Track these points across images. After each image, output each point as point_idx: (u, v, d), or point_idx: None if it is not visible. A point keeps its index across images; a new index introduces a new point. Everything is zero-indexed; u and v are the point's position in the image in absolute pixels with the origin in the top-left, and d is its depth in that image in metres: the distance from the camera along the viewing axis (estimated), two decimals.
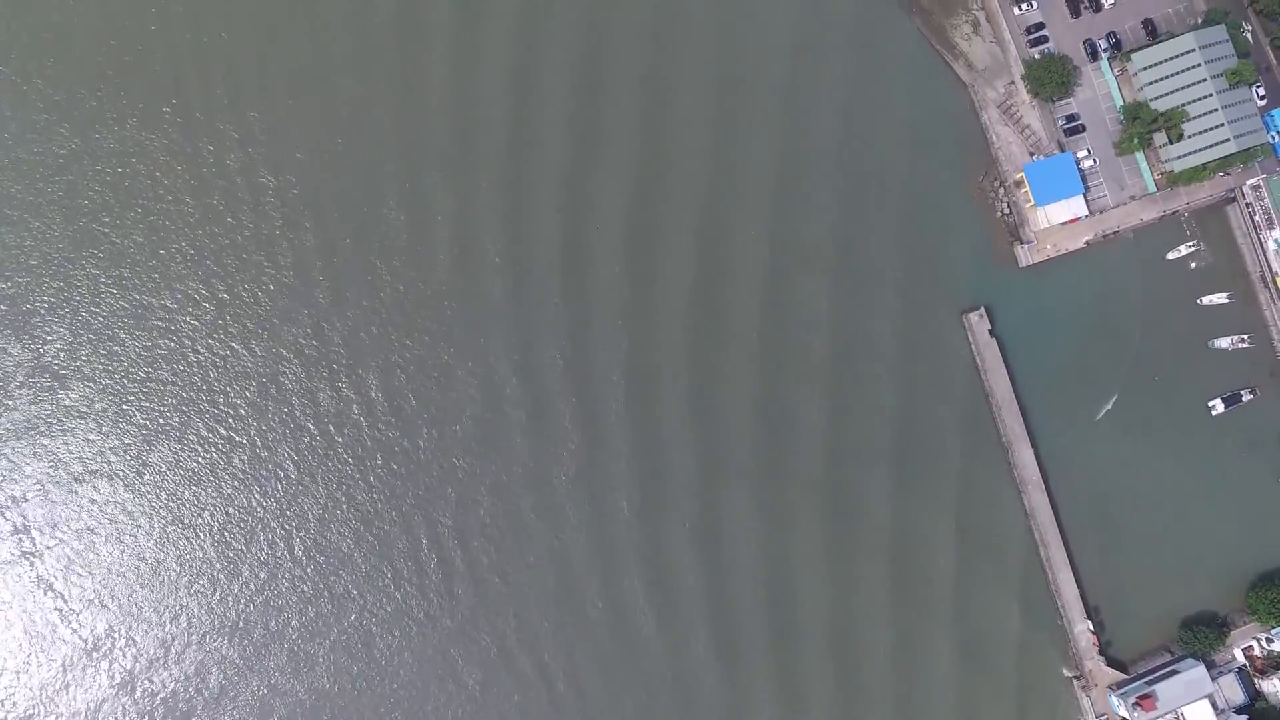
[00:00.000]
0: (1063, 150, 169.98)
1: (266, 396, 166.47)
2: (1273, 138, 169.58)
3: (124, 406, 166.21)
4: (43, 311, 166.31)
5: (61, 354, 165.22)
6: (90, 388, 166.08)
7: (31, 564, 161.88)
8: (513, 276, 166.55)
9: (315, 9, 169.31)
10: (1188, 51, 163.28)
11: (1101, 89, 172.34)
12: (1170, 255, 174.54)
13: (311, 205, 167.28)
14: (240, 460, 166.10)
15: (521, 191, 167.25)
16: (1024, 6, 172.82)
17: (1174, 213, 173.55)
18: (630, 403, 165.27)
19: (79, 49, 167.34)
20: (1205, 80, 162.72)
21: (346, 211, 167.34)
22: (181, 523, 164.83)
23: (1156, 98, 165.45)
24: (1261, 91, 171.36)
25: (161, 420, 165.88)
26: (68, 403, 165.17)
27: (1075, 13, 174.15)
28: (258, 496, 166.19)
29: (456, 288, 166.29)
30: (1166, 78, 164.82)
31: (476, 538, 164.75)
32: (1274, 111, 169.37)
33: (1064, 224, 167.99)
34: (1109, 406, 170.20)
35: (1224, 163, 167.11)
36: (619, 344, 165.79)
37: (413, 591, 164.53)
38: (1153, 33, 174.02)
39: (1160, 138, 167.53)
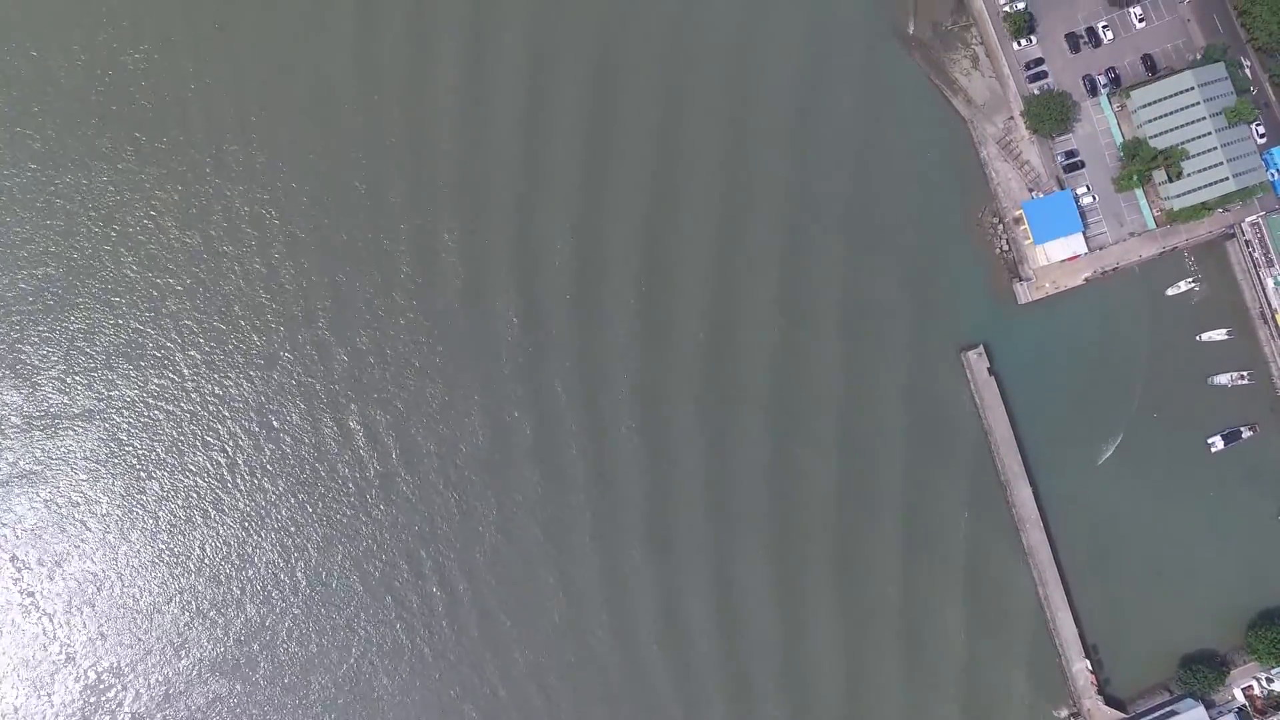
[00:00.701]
0: (1062, 187, 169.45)
1: (265, 431, 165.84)
2: (1272, 175, 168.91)
3: (118, 443, 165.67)
4: (35, 345, 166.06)
5: (53, 391, 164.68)
6: (83, 424, 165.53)
7: (26, 607, 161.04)
8: (519, 317, 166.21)
9: (319, 44, 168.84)
10: (1186, 90, 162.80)
11: (1101, 125, 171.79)
12: (1170, 291, 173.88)
13: (313, 240, 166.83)
14: (238, 496, 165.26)
15: (530, 236, 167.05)
16: (1023, 42, 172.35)
17: (1173, 249, 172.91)
18: (637, 448, 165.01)
19: (70, 85, 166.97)
20: (1204, 119, 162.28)
21: (347, 244, 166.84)
22: (178, 559, 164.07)
23: (1155, 135, 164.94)
24: (1261, 130, 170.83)
25: (157, 455, 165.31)
26: (60, 439, 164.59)
27: (1075, 48, 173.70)
28: (256, 531, 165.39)
29: (461, 324, 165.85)
30: (1165, 115, 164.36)
31: (479, 573, 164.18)
32: (1273, 150, 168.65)
33: (1063, 261, 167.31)
34: (1110, 453, 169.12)
35: (1223, 200, 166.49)
36: (626, 388, 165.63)
37: (416, 626, 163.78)
38: (1152, 68, 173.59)
39: (1159, 175, 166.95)
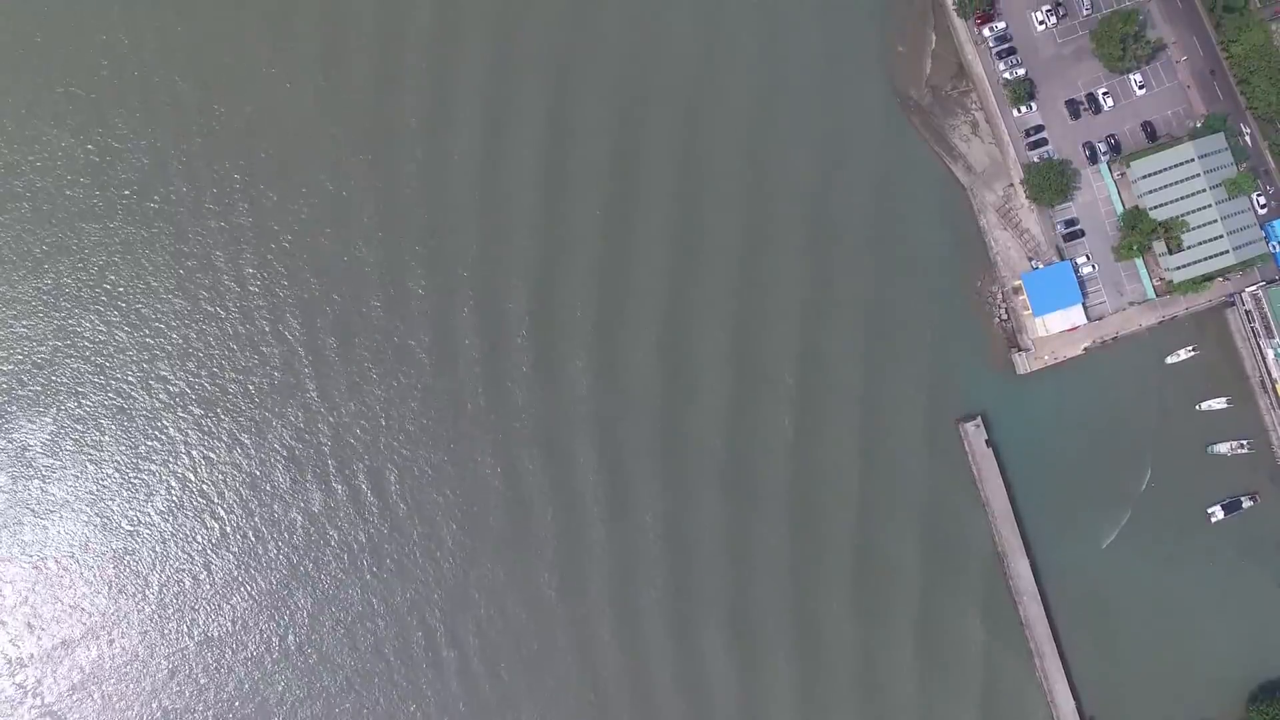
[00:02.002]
0: (1062, 257, 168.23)
1: (256, 495, 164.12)
2: (1273, 247, 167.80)
3: (107, 508, 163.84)
4: (25, 402, 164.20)
5: (42, 450, 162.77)
6: (72, 484, 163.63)
7: (13, 670, 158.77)
8: (500, 381, 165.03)
9: (313, 104, 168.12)
10: (1186, 161, 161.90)
11: (1101, 192, 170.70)
12: (1169, 359, 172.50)
13: (303, 302, 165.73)
14: (229, 559, 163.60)
15: (540, 303, 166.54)
16: (1023, 109, 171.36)
17: (1173, 317, 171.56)
18: (637, 527, 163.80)
19: (64, 140, 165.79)
20: (1204, 190, 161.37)
21: (338, 309, 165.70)
22: (168, 623, 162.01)
23: (1155, 207, 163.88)
24: (1262, 200, 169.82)
25: (148, 520, 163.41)
26: (47, 503, 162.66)
27: (1075, 115, 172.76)
28: (249, 595, 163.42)
29: (447, 388, 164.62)
30: (1165, 187, 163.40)
31: (471, 636, 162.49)
32: (1275, 222, 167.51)
33: (1063, 332, 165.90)
34: (1113, 537, 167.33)
35: (1223, 271, 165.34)
36: (624, 461, 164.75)
37: (408, 688, 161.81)
38: (1152, 136, 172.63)
39: (1159, 245, 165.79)
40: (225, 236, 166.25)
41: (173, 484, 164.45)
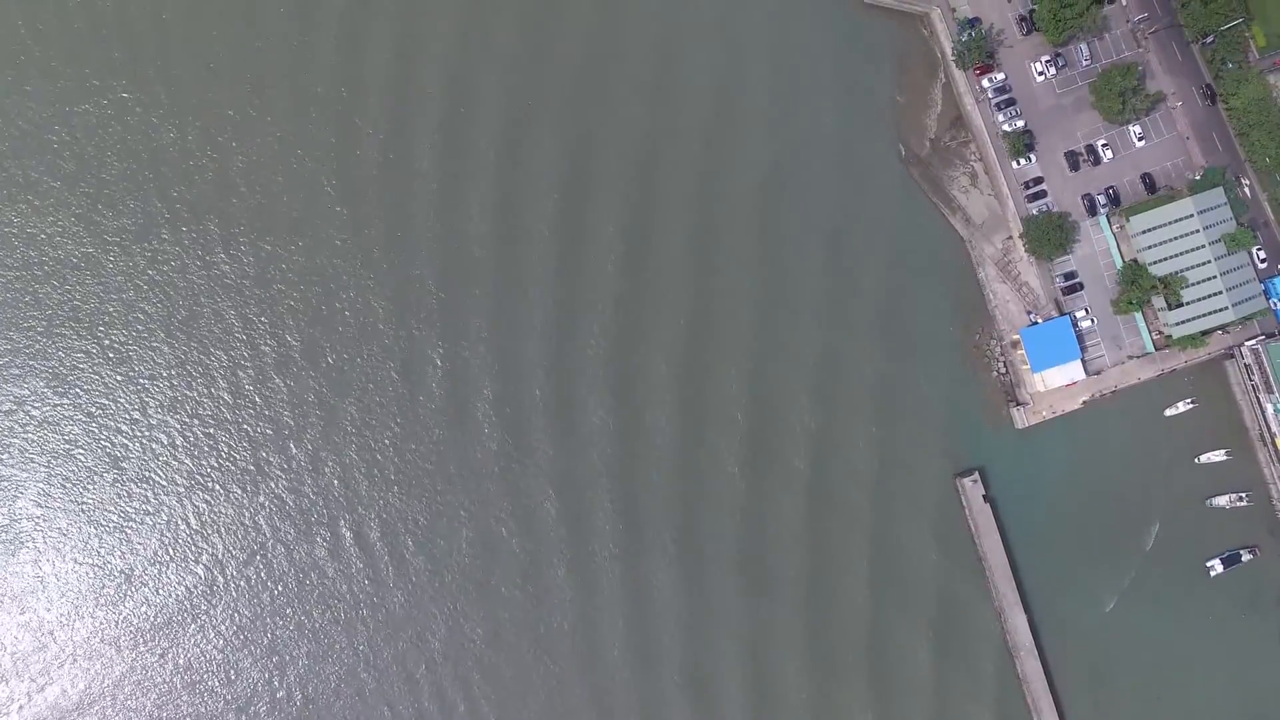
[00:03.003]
0: (1061, 311, 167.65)
1: (254, 544, 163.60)
2: (1273, 304, 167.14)
3: (100, 556, 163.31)
4: (14, 452, 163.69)
5: (33, 503, 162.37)
6: (64, 537, 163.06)
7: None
8: (502, 429, 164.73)
9: (310, 158, 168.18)
10: (1186, 217, 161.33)
11: (1100, 245, 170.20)
12: (1168, 412, 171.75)
13: (303, 354, 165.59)
14: (224, 607, 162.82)
15: (520, 346, 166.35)
16: (1022, 161, 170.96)
17: (1172, 370, 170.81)
18: (624, 566, 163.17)
19: (58, 194, 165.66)
20: (1204, 246, 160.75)
21: (335, 361, 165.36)
22: (165, 673, 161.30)
23: (1155, 262, 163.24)
24: (1262, 254, 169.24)
25: (141, 569, 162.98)
26: (41, 552, 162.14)
27: (1074, 166, 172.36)
28: (246, 643, 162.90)
29: (449, 440, 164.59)
30: (1165, 242, 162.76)
31: (471, 684, 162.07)
32: (1274, 279, 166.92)
33: (1061, 387, 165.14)
34: (1113, 604, 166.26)
35: (1222, 325, 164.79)
36: (608, 502, 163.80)
37: None
38: (1151, 187, 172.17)
39: (1158, 300, 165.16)
40: (217, 286, 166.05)
41: (165, 532, 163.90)
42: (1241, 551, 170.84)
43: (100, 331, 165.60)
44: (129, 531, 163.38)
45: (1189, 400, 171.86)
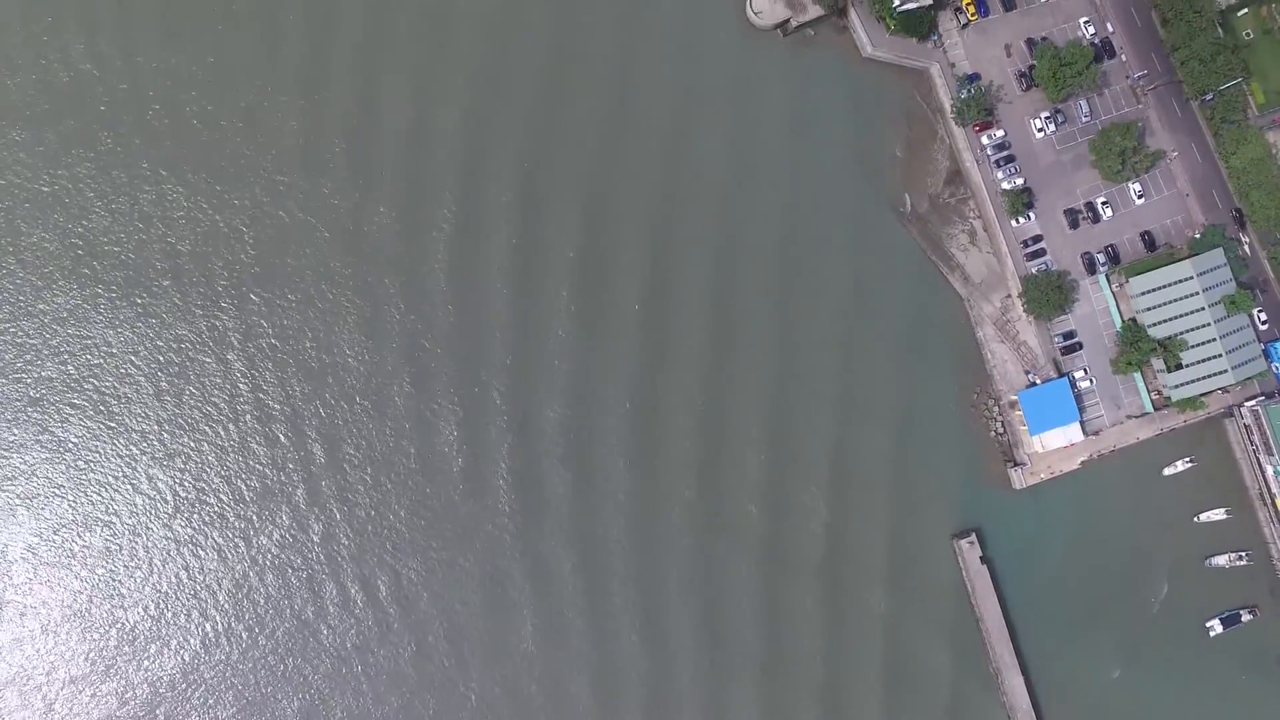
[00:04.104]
0: (1060, 371, 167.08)
1: (247, 596, 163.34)
2: (1275, 368, 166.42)
3: (92, 608, 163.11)
4: (8, 512, 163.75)
5: (26, 567, 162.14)
6: (57, 597, 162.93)
7: None
8: (515, 495, 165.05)
9: (316, 210, 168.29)
10: (1185, 279, 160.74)
11: (1099, 304, 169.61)
12: (1166, 471, 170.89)
13: (311, 407, 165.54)
14: (220, 658, 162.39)
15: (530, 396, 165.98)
16: (1021, 219, 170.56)
17: (1171, 430, 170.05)
18: (641, 622, 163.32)
19: (41, 236, 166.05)
20: (1203, 309, 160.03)
21: (346, 411, 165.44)
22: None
23: (1154, 324, 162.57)
24: (1263, 316, 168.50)
25: (141, 626, 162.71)
26: (34, 617, 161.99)
27: (1074, 224, 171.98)
28: (236, 697, 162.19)
29: (457, 492, 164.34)
30: (1164, 304, 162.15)
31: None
32: (1276, 343, 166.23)
33: (1060, 448, 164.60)
34: (1110, 665, 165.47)
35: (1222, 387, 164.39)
36: (624, 561, 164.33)
37: None
38: (1151, 245, 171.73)
39: (1157, 361, 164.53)
40: (211, 338, 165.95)
41: (162, 586, 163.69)
42: (1241, 611, 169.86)
43: (91, 383, 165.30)
44: (118, 586, 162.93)
45: (1188, 459, 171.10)
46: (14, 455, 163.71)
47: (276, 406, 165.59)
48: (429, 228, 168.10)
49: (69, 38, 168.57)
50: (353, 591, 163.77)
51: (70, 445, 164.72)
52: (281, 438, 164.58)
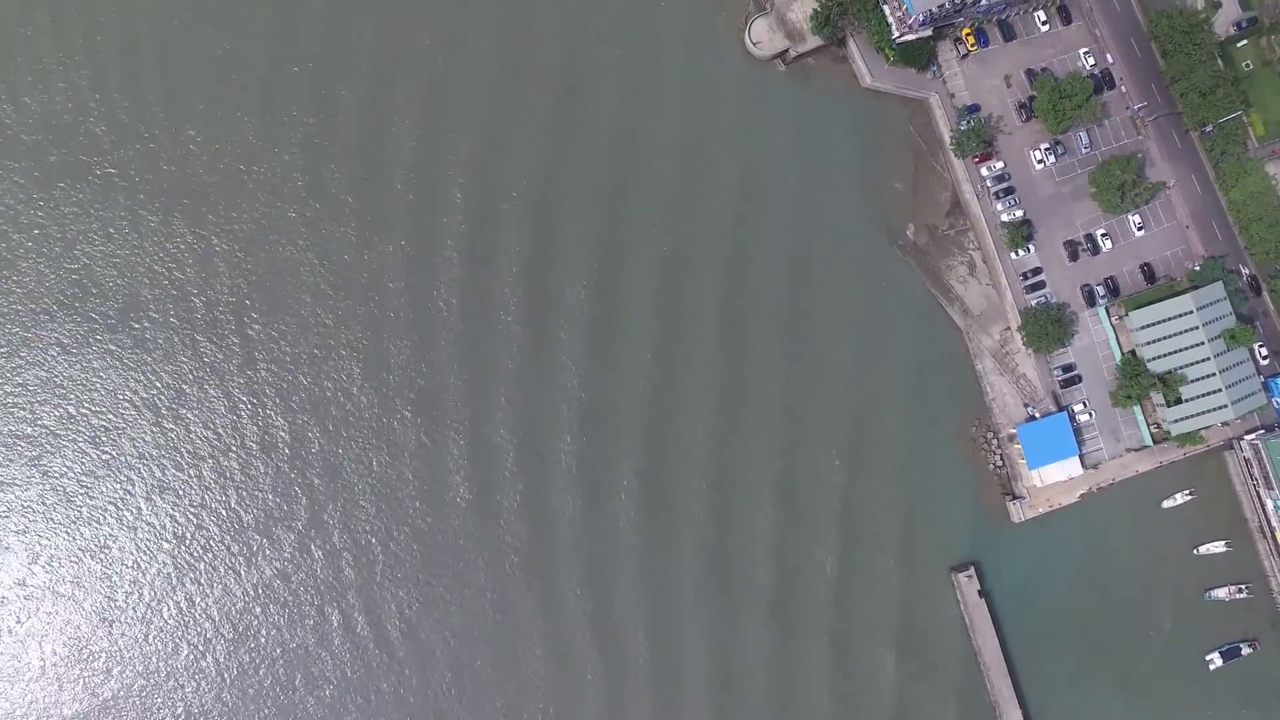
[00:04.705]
0: (1059, 404, 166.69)
1: (249, 624, 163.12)
2: (1276, 404, 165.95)
3: (89, 639, 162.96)
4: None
5: (15, 585, 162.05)
6: (50, 620, 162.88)
7: None
8: (524, 516, 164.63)
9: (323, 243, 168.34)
10: (1185, 313, 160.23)
11: (1099, 337, 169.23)
12: (1166, 504, 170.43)
13: (319, 437, 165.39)
14: (219, 687, 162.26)
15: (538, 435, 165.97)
16: (1021, 252, 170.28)
17: (1170, 462, 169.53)
18: (642, 647, 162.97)
19: (40, 284, 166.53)
20: (1203, 344, 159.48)
21: (348, 447, 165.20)
22: None
23: (1153, 358, 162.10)
24: (1264, 351, 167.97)
25: (133, 651, 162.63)
26: (28, 638, 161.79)
27: (1073, 256, 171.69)
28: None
29: (469, 529, 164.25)
30: (1164, 339, 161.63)
31: None
32: (1276, 378, 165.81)
33: (1059, 482, 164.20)
34: (1110, 698, 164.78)
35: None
36: (630, 588, 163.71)
37: None
38: (1150, 277, 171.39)
39: (1157, 395, 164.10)
40: (206, 370, 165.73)
41: (166, 617, 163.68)
42: (1241, 645, 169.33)
43: (86, 410, 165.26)
44: (113, 613, 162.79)
45: (1187, 491, 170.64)
46: (7, 488, 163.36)
47: (274, 434, 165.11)
48: (434, 258, 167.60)
49: (68, 66, 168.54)
50: (351, 620, 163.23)
51: (66, 475, 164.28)
52: (280, 466, 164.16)
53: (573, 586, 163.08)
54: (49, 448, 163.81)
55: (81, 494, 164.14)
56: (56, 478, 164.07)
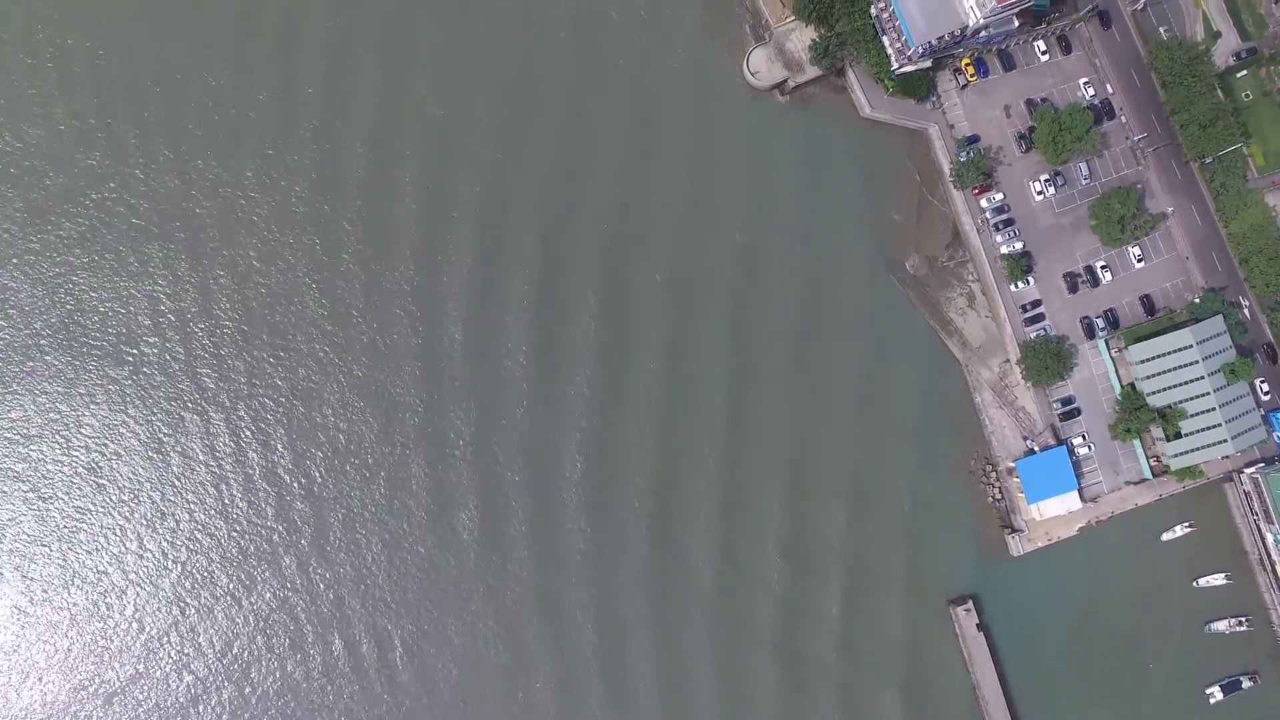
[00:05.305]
0: (1058, 437, 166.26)
1: (249, 654, 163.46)
2: (1276, 437, 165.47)
3: (84, 666, 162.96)
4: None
5: (10, 616, 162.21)
6: (45, 649, 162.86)
7: None
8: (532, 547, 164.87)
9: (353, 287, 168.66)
10: (1185, 348, 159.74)
11: (1099, 369, 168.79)
12: (1165, 537, 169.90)
13: (292, 466, 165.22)
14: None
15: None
16: (1020, 284, 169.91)
17: (1170, 495, 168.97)
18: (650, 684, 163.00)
19: (40, 302, 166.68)
20: (1203, 378, 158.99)
21: (343, 479, 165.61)
22: None
23: (1153, 393, 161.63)
24: (1265, 386, 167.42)
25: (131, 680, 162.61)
26: (25, 668, 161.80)
27: (1073, 288, 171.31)
28: None
29: (472, 561, 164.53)
30: (1163, 373, 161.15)
31: None
32: (1276, 413, 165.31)
33: (1058, 515, 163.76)
34: None
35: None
36: (637, 623, 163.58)
37: None
38: (1150, 309, 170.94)
39: (1157, 429, 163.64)
40: (203, 400, 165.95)
41: (153, 647, 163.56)
42: (1242, 678, 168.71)
43: (80, 445, 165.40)
44: (108, 647, 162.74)
45: (1186, 524, 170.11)
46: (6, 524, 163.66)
47: (266, 467, 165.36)
48: (439, 289, 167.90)
49: (65, 88, 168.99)
50: (347, 649, 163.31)
51: (58, 505, 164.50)
52: (274, 498, 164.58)
53: (579, 620, 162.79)
54: (43, 476, 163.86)
55: (74, 525, 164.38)
56: (49, 506, 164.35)
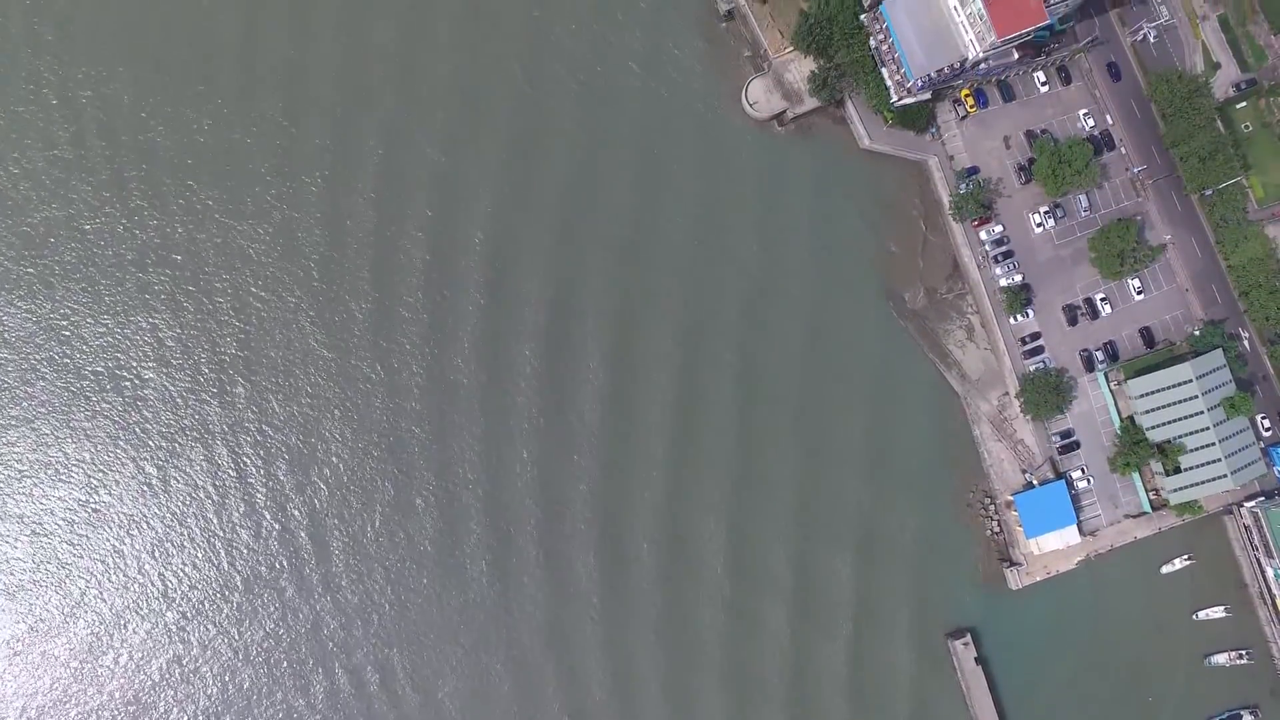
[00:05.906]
0: (1057, 470, 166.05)
1: (252, 682, 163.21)
2: (1277, 472, 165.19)
3: (85, 694, 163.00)
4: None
5: (7, 646, 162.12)
6: (41, 678, 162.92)
7: None
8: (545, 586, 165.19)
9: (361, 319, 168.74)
10: (1185, 382, 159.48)
11: (1098, 402, 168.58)
12: (1165, 569, 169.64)
13: (330, 476, 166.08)
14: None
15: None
16: (1019, 317, 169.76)
17: (1169, 528, 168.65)
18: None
19: (35, 331, 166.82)
20: (1203, 413, 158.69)
21: (339, 509, 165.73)
22: None
23: (1153, 427, 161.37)
24: (1267, 423, 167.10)
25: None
26: (23, 694, 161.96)
27: (1072, 321, 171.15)
28: None
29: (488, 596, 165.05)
30: (1163, 407, 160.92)
31: None
32: (1276, 447, 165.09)
33: (1057, 549, 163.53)
34: None
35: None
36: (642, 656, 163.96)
37: None
38: (1150, 342, 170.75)
39: (1156, 463, 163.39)
40: (200, 430, 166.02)
41: (151, 675, 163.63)
42: (1242, 712, 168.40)
43: (78, 469, 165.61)
44: (103, 675, 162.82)
45: (1186, 556, 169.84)
46: (7, 549, 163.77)
47: (263, 495, 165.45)
48: (444, 322, 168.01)
49: (67, 121, 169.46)
50: (347, 679, 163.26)
51: (55, 533, 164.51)
52: (272, 526, 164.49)
53: (587, 665, 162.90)
54: (39, 502, 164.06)
55: (71, 554, 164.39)
56: (46, 534, 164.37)
